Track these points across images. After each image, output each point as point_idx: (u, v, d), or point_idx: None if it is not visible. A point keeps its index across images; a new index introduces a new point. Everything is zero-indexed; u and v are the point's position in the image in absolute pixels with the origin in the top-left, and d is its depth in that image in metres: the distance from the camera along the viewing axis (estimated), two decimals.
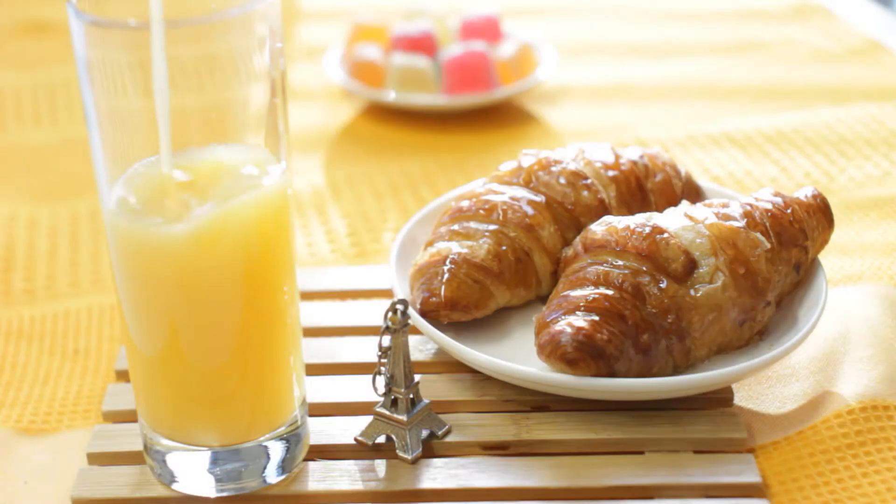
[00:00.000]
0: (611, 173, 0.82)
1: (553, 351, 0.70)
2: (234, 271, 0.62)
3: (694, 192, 0.86)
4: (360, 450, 0.71)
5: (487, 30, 1.25)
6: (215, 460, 0.67)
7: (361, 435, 0.71)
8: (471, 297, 0.77)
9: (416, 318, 0.75)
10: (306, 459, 0.70)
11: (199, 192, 0.61)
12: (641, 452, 0.69)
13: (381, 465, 0.69)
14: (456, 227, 0.80)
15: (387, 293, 0.86)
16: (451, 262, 0.77)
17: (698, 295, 0.72)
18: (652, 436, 0.69)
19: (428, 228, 0.86)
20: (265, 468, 0.68)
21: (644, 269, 0.72)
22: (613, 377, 0.70)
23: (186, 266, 0.61)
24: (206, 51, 0.60)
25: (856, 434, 0.70)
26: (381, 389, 0.70)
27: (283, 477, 0.68)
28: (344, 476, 0.68)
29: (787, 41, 1.37)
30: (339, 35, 1.38)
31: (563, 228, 0.80)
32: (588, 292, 0.72)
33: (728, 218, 0.75)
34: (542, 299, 0.81)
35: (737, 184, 1.04)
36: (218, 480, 0.67)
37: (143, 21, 0.57)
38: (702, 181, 0.89)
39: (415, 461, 0.69)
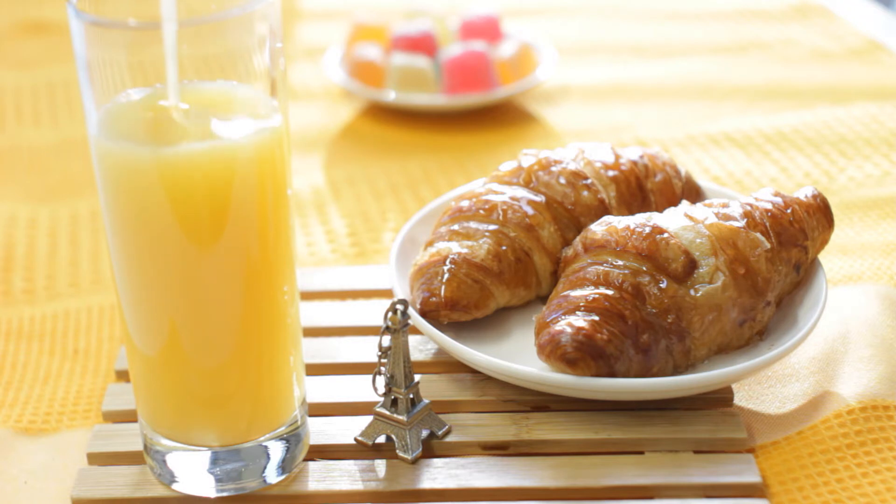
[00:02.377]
0: (611, 173, 0.82)
1: (553, 351, 0.70)
2: (224, 204, 0.61)
3: (694, 192, 0.86)
4: (360, 450, 0.71)
5: (487, 30, 1.25)
6: (215, 460, 0.67)
7: (361, 435, 0.71)
8: (471, 297, 0.77)
9: (416, 318, 0.75)
10: (306, 459, 0.70)
11: (194, 119, 0.60)
12: (641, 452, 0.69)
13: (381, 465, 0.69)
14: (456, 227, 0.80)
15: (387, 293, 0.86)
16: (451, 262, 0.77)
17: (698, 295, 0.72)
18: (652, 436, 0.69)
19: (428, 228, 0.86)
20: (265, 468, 0.68)
21: (644, 269, 0.72)
22: (613, 377, 0.70)
23: (175, 192, 0.60)
24: (207, 51, 0.60)
25: (856, 434, 0.70)
26: (381, 389, 0.70)
27: (283, 477, 0.68)
28: (344, 476, 0.68)
29: (787, 41, 1.37)
30: (339, 35, 1.39)
31: (563, 228, 0.80)
32: (588, 292, 0.72)
33: (728, 218, 0.75)
34: (542, 299, 0.81)
35: (737, 184, 1.04)
36: (218, 480, 0.67)
37: (144, 21, 0.58)
38: (702, 181, 0.89)
39: (415, 461, 0.69)
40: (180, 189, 0.60)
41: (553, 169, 0.81)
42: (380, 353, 0.69)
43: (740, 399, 0.74)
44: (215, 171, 0.60)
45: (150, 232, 0.61)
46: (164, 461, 0.68)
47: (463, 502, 0.67)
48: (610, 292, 0.71)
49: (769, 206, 0.77)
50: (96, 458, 0.71)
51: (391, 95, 1.18)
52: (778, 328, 0.76)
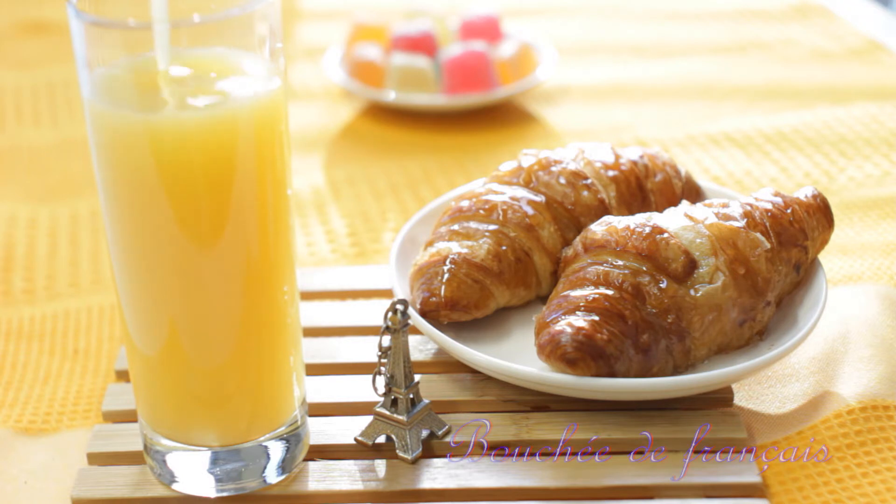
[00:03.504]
0: (611, 173, 0.82)
1: (553, 351, 0.70)
2: (221, 170, 0.60)
3: (694, 192, 0.86)
4: (360, 450, 0.71)
5: (487, 30, 1.25)
6: (215, 460, 0.67)
7: (361, 435, 0.71)
8: (471, 297, 0.77)
9: (416, 318, 0.75)
10: (306, 459, 0.70)
11: (189, 85, 0.60)
12: (641, 452, 0.69)
13: (381, 465, 0.69)
14: (456, 227, 0.80)
15: (387, 293, 0.86)
16: (451, 262, 0.77)
17: (698, 295, 0.72)
18: (652, 436, 0.69)
19: (428, 228, 0.86)
20: (265, 468, 0.68)
21: (644, 269, 0.72)
22: (613, 377, 0.70)
23: (172, 158, 0.59)
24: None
25: (856, 434, 0.70)
26: (381, 389, 0.70)
27: (283, 477, 0.68)
28: (344, 476, 0.68)
29: (787, 41, 1.37)
30: (339, 35, 1.39)
31: (563, 228, 0.80)
32: (588, 292, 0.72)
33: (728, 218, 0.75)
34: (542, 299, 0.81)
35: (737, 184, 1.04)
36: (218, 480, 0.67)
37: (143, 21, 0.58)
38: (702, 181, 0.89)
39: (415, 461, 0.69)
40: (174, 161, 0.59)
41: (553, 169, 0.81)
42: (380, 353, 0.69)
43: (740, 399, 0.74)
44: (211, 141, 0.59)
45: (147, 221, 0.61)
46: (164, 461, 0.68)
47: (463, 502, 0.67)
48: (610, 292, 0.71)
49: (769, 206, 0.77)
50: (96, 458, 0.71)
51: (391, 95, 1.18)
52: (778, 328, 0.76)
